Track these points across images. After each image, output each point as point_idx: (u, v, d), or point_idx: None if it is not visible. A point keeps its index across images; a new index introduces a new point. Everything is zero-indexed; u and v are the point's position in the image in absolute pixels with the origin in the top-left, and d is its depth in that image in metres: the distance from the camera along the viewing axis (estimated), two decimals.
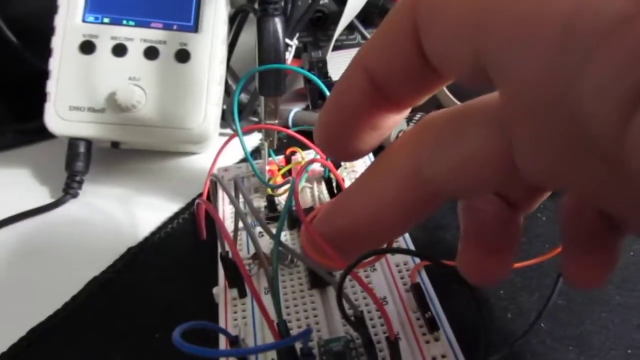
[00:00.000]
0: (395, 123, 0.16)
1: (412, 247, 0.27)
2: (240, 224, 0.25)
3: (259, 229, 0.29)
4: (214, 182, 0.29)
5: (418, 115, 0.38)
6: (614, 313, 0.25)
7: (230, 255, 0.25)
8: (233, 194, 0.21)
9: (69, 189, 0.36)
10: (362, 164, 0.34)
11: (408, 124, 0.37)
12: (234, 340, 0.21)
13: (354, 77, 0.15)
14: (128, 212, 0.35)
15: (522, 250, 0.28)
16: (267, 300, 0.24)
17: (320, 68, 0.27)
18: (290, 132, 0.29)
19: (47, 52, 0.37)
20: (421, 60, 0.13)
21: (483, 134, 0.13)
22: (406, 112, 0.16)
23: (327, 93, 0.26)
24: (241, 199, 0.29)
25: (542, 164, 0.12)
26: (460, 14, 0.12)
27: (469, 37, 0.12)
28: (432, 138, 0.14)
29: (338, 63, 0.40)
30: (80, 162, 0.37)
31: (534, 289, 0.26)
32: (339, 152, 0.17)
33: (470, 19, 0.12)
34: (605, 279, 0.16)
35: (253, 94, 0.43)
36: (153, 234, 0.32)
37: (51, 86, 0.36)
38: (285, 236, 0.29)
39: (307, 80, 0.28)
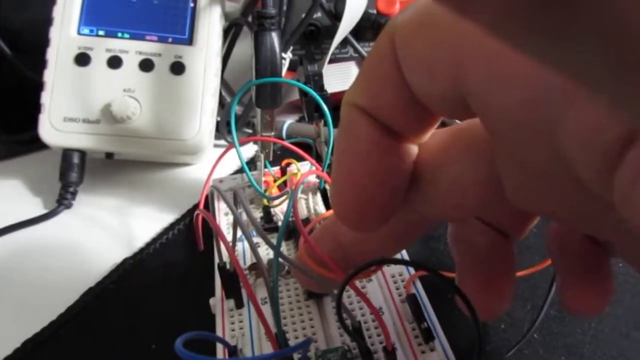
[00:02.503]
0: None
1: (406, 258, 0.28)
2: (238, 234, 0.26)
3: (255, 239, 0.29)
4: (210, 194, 0.29)
5: None
6: (603, 323, 0.26)
7: (227, 266, 0.25)
8: (232, 204, 0.21)
9: (63, 200, 0.36)
10: None
11: None
12: (232, 351, 0.21)
13: (355, 127, 0.14)
14: (123, 223, 0.35)
15: None
16: (264, 310, 0.24)
17: (316, 81, 0.28)
18: (286, 144, 0.29)
19: (40, 64, 0.37)
20: (410, 92, 0.13)
21: (465, 163, 0.13)
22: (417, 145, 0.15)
23: (323, 106, 0.27)
24: (238, 210, 0.29)
25: (526, 194, 0.12)
26: (436, 49, 0.12)
27: (447, 71, 0.12)
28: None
29: (331, 76, 0.41)
30: (74, 173, 0.36)
31: (526, 300, 0.27)
32: (373, 213, 0.14)
33: (448, 54, 0.11)
34: (602, 306, 0.15)
35: (247, 105, 0.43)
36: (148, 244, 0.33)
37: (46, 98, 0.36)
38: (282, 247, 0.29)
39: (303, 93, 0.28)
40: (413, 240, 0.16)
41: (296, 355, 0.21)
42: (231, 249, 0.21)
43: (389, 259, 0.22)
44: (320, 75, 0.28)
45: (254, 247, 0.21)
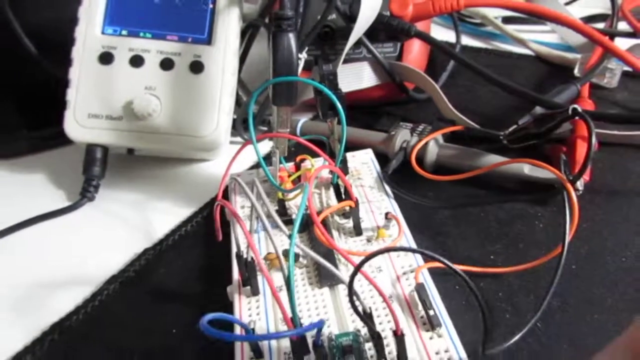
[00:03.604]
0: None
1: (419, 256, 0.29)
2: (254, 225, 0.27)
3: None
4: (229, 186, 0.31)
5: (421, 127, 0.40)
6: (606, 315, 0.26)
7: (245, 254, 0.27)
8: (251, 194, 0.22)
9: (86, 193, 0.38)
10: (367, 172, 0.35)
11: (412, 135, 0.38)
12: (249, 332, 0.23)
13: None
14: (143, 216, 0.36)
15: (520, 253, 0.30)
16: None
17: (331, 80, 0.29)
18: (301, 140, 0.31)
19: (63, 62, 0.38)
20: None
21: None
22: None
23: (338, 104, 0.28)
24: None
25: None
26: None
27: None
28: None
29: (344, 76, 0.42)
30: (97, 167, 0.38)
31: (530, 291, 0.28)
32: None
33: None
34: None
35: (262, 104, 0.44)
36: (167, 236, 0.34)
37: (71, 94, 0.38)
38: (296, 238, 0.30)
39: (318, 92, 0.29)
40: None
41: (310, 339, 0.23)
42: (249, 235, 0.22)
43: (400, 247, 0.23)
44: (334, 75, 0.29)
45: (271, 235, 0.22)
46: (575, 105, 0.29)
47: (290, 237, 0.21)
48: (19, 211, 0.37)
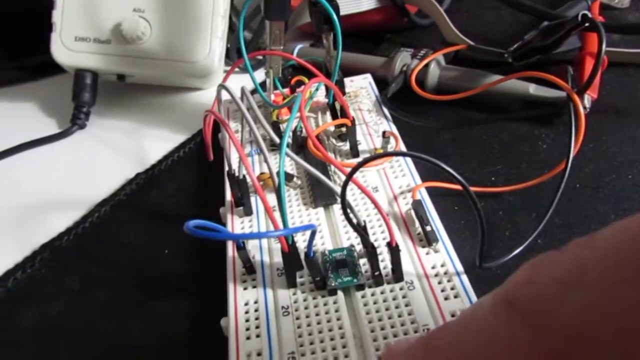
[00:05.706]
0: None
1: (417, 177, 0.28)
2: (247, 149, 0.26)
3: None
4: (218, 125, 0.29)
5: (423, 51, 0.38)
6: None
7: (237, 172, 0.26)
8: (241, 103, 0.21)
9: (76, 120, 0.37)
10: (366, 96, 0.34)
11: (412, 59, 0.37)
12: (240, 247, 0.22)
13: None
14: (135, 143, 0.36)
15: (522, 174, 0.29)
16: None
17: None
18: (296, 58, 0.29)
19: None
20: None
21: None
22: None
23: (333, 15, 0.26)
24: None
25: None
26: None
27: None
28: None
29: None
30: (87, 93, 0.37)
31: (532, 210, 0.27)
32: None
33: None
34: None
35: (256, 32, 0.43)
36: (160, 161, 0.33)
37: (57, 16, 0.36)
38: (291, 161, 0.29)
39: (313, 3, 0.28)
40: None
41: (302, 254, 0.22)
42: (240, 147, 0.21)
43: (399, 152, 0.22)
44: None
45: (261, 145, 0.21)
46: (586, 12, 0.27)
47: (280, 143, 0.20)
48: (7, 139, 0.36)
